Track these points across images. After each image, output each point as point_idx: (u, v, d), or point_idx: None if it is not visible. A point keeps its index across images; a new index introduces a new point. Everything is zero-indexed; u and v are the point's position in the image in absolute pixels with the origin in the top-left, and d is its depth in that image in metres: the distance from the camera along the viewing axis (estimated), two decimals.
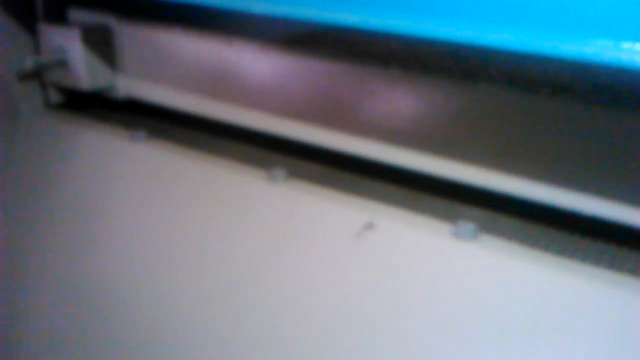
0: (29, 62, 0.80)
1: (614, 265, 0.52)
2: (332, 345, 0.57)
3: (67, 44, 0.79)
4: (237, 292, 0.63)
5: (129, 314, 0.70)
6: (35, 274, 0.78)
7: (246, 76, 0.70)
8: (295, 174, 0.67)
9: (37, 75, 0.84)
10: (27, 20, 0.83)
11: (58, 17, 0.83)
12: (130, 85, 0.81)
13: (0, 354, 0.79)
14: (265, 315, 0.61)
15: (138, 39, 0.78)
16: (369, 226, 0.59)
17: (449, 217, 0.58)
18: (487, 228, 0.57)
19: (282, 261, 0.62)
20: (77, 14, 0.81)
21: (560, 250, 0.54)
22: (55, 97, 0.87)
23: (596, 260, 0.53)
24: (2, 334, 0.79)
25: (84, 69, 0.79)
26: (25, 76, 0.83)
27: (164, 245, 0.70)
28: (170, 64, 0.76)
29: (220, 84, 0.72)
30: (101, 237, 0.75)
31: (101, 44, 0.80)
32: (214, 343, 0.63)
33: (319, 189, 0.64)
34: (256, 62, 0.68)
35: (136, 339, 0.68)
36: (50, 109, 0.86)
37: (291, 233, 0.63)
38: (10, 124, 0.84)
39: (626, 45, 0.37)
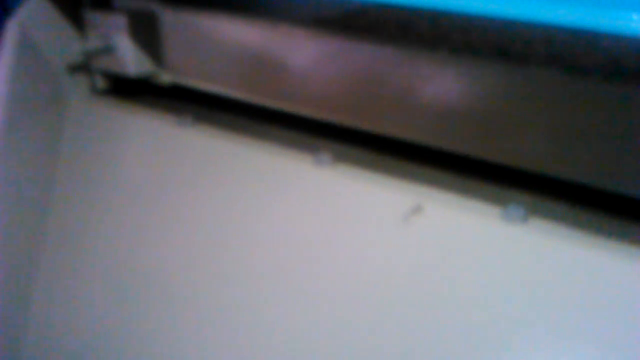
0: (78, 53, 0.82)
1: None
2: (381, 330, 0.58)
3: (113, 31, 0.81)
4: (286, 277, 0.64)
5: (179, 297, 0.71)
6: (83, 259, 0.80)
7: (292, 60, 0.70)
8: (341, 158, 0.67)
9: (84, 63, 0.85)
10: (73, 7, 0.85)
11: (103, 4, 0.84)
12: (175, 71, 0.82)
13: (45, 331, 0.81)
14: (314, 300, 0.62)
15: (183, 24, 0.78)
16: (417, 210, 0.59)
17: (498, 200, 0.58)
18: (536, 212, 0.57)
19: (329, 246, 0.62)
20: (122, 1, 0.82)
21: (611, 234, 0.53)
22: (101, 83, 0.88)
23: None
24: (51, 313, 0.81)
25: (130, 56, 0.80)
26: (74, 66, 0.85)
27: (212, 229, 0.71)
28: (215, 49, 0.76)
29: (266, 69, 0.73)
30: (149, 221, 0.77)
31: (147, 30, 0.81)
32: (264, 326, 0.64)
33: (366, 173, 0.65)
34: (302, 46, 0.69)
35: (188, 320, 0.70)
36: (97, 96, 0.88)
37: (338, 217, 0.63)
38: (59, 111, 0.86)
39: None
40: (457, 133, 0.61)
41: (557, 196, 0.59)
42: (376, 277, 0.59)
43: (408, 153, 0.66)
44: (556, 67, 0.52)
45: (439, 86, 0.60)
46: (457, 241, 0.57)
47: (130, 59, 0.81)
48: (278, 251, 0.65)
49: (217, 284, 0.68)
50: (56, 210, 0.83)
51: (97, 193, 0.81)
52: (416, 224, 0.59)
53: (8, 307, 0.79)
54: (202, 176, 0.74)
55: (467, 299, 0.55)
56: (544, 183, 0.58)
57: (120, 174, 0.81)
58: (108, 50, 0.82)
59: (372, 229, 0.61)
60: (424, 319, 0.56)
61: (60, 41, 0.85)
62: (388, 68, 0.63)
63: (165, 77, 0.83)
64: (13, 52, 0.80)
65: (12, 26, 0.80)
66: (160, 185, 0.77)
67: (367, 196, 0.62)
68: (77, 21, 0.85)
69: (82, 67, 0.86)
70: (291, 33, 0.69)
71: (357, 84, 0.66)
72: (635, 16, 0.39)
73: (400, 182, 0.62)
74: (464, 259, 0.56)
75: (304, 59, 0.69)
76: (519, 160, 0.58)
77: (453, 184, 0.61)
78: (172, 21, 0.79)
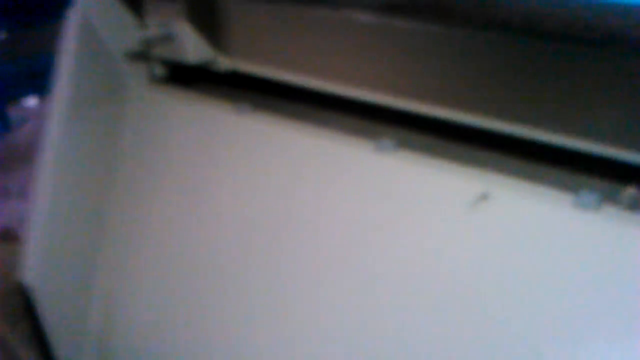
0: (137, 41, 0.83)
1: None
2: (449, 319, 0.56)
3: (172, 19, 0.81)
4: (348, 265, 0.63)
5: (234, 285, 0.72)
6: (143, 249, 0.81)
7: (351, 46, 0.69)
8: (404, 144, 0.66)
9: (144, 51, 0.86)
10: None
11: None
12: (234, 58, 0.82)
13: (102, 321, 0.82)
14: (379, 289, 0.61)
15: (242, 11, 0.78)
16: (484, 197, 0.58)
17: (569, 187, 0.56)
18: (610, 198, 0.54)
19: (392, 236, 0.61)
20: None
21: None
22: (159, 71, 0.88)
23: None
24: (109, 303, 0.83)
25: (189, 43, 0.81)
26: (134, 55, 0.86)
27: (272, 217, 0.71)
28: (274, 36, 0.76)
29: (325, 55, 0.72)
30: (209, 210, 0.77)
31: (205, 18, 0.81)
32: (327, 316, 0.64)
33: (430, 159, 0.63)
34: (361, 32, 0.67)
35: (239, 309, 0.70)
36: (155, 83, 0.89)
37: (402, 205, 0.62)
38: (118, 99, 0.87)
39: None
40: (523, 119, 0.59)
41: (628, 182, 0.57)
42: (442, 268, 0.58)
43: (473, 138, 0.64)
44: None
45: (501, 72, 0.58)
46: (526, 230, 0.55)
47: (190, 46, 0.81)
48: (341, 240, 0.65)
49: (280, 275, 0.68)
50: (116, 198, 0.85)
51: (157, 181, 0.82)
52: (483, 212, 0.57)
53: (70, 296, 0.80)
54: (262, 164, 0.73)
55: (538, 290, 0.53)
56: (614, 169, 0.56)
57: (179, 162, 0.82)
58: (167, 37, 0.82)
59: (437, 217, 0.59)
60: (493, 312, 0.54)
61: (120, 29, 0.86)
62: (448, 53, 0.61)
63: (224, 64, 0.83)
64: (75, 40, 0.81)
65: (74, 15, 0.81)
66: (220, 174, 0.77)
67: (431, 183, 0.61)
68: (137, 9, 0.86)
69: (141, 55, 0.87)
70: (350, 19, 0.68)
71: (418, 70, 0.64)
72: None
73: (465, 169, 0.61)
74: (535, 248, 0.55)
75: (364, 44, 0.68)
76: (587, 146, 0.56)
77: (521, 170, 0.59)
78: (231, 8, 0.79)
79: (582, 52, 0.53)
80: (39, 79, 1.77)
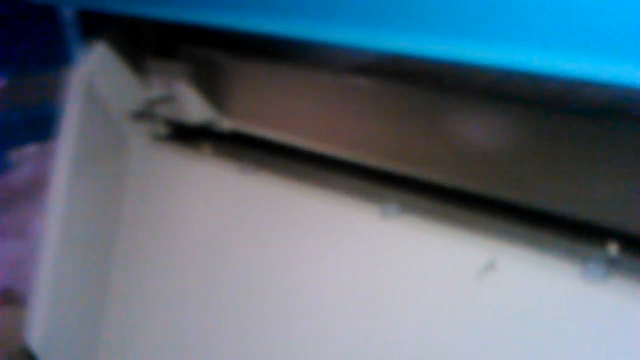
0: (140, 101, 0.83)
1: None
2: None
3: (176, 80, 0.81)
4: (351, 333, 0.63)
5: (238, 350, 0.71)
6: (147, 306, 0.80)
7: (354, 110, 0.69)
8: (409, 209, 0.66)
9: (147, 111, 0.86)
10: (136, 56, 0.86)
11: (166, 54, 0.85)
12: (236, 119, 0.82)
13: None
14: (383, 357, 0.60)
15: (244, 73, 0.79)
16: (490, 266, 0.57)
17: (577, 257, 0.56)
18: (619, 270, 0.54)
19: (396, 303, 0.61)
20: (185, 51, 0.83)
21: None
22: (162, 129, 0.89)
23: None
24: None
25: (191, 104, 0.81)
26: (137, 114, 0.86)
27: (274, 280, 0.70)
28: (275, 98, 0.76)
29: (327, 119, 0.72)
30: (211, 270, 0.77)
31: (208, 79, 0.81)
32: None
33: (435, 225, 0.63)
34: (363, 96, 0.68)
35: None
36: (158, 141, 0.89)
37: (405, 272, 0.62)
38: (121, 157, 0.87)
39: None
40: (528, 185, 0.59)
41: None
42: (447, 338, 0.57)
43: (479, 204, 0.64)
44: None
45: (506, 135, 0.58)
46: (533, 301, 0.55)
47: (192, 107, 0.81)
48: (344, 306, 0.64)
49: (282, 341, 0.67)
50: (121, 259, 0.84)
51: (160, 240, 0.82)
52: (489, 281, 0.57)
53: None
54: (265, 225, 0.73)
55: None
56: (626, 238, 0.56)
57: (182, 221, 0.81)
58: (170, 98, 0.83)
59: (442, 286, 0.59)
60: None
61: (123, 88, 0.86)
62: (454, 119, 0.61)
63: (226, 124, 0.83)
64: (78, 101, 0.81)
65: (78, 76, 0.82)
66: (222, 233, 0.77)
67: (436, 250, 0.61)
68: (140, 69, 0.86)
69: (144, 114, 0.87)
70: (354, 83, 0.68)
71: (424, 133, 0.64)
72: None
73: (471, 236, 0.61)
74: (541, 321, 0.54)
75: (369, 110, 0.68)
76: (597, 214, 0.56)
77: (528, 238, 0.59)
78: (234, 71, 0.80)
79: (586, 123, 0.53)
80: (39, 127, 1.77)
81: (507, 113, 0.58)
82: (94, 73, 0.83)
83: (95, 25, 0.84)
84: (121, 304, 0.82)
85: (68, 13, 0.83)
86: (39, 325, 0.70)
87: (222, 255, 0.76)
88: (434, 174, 0.65)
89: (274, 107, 0.78)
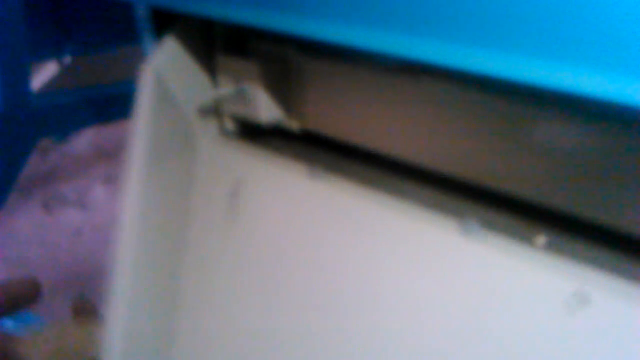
0: (209, 98, 0.81)
1: None
2: None
3: (246, 78, 0.79)
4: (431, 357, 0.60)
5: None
6: (216, 308, 0.79)
7: (435, 115, 0.66)
8: (492, 226, 0.62)
9: (215, 107, 0.85)
10: (205, 52, 0.84)
11: (237, 50, 0.83)
12: (306, 119, 0.80)
13: None
14: None
15: (318, 71, 0.76)
16: (583, 299, 0.53)
17: None
18: None
19: (477, 334, 0.58)
20: (256, 47, 0.81)
21: None
22: (230, 126, 0.87)
23: None
24: None
25: (261, 103, 0.79)
26: (205, 110, 0.85)
27: (340, 293, 0.68)
28: (352, 99, 0.73)
29: (405, 123, 0.69)
30: (276, 276, 0.75)
31: (279, 77, 0.79)
32: None
33: (521, 247, 0.59)
34: (446, 101, 0.64)
35: None
36: (226, 138, 0.87)
37: (486, 299, 0.58)
38: (191, 152, 0.86)
39: None
40: (628, 208, 0.54)
41: None
42: None
43: (571, 226, 0.60)
44: None
45: (603, 151, 0.54)
46: (632, 341, 0.51)
47: (261, 106, 0.79)
48: (418, 331, 0.62)
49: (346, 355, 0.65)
50: (190, 260, 0.83)
51: (228, 245, 0.81)
52: (581, 316, 0.53)
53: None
54: (333, 235, 0.71)
55: None
56: None
57: (249, 224, 0.80)
58: (239, 96, 0.81)
59: (528, 317, 0.56)
60: None
61: (192, 85, 0.85)
62: (543, 128, 0.57)
63: (296, 124, 0.81)
64: (149, 97, 0.80)
65: (147, 71, 0.80)
66: (292, 238, 0.75)
67: (522, 277, 0.57)
68: (210, 65, 0.84)
69: (212, 110, 0.86)
70: (435, 86, 0.65)
71: (512, 145, 0.61)
72: None
73: (561, 262, 0.57)
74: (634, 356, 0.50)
75: (449, 114, 0.64)
76: None
77: (625, 268, 0.55)
78: (306, 68, 0.77)
79: None
80: (103, 108, 1.79)
81: (606, 131, 0.53)
82: (164, 68, 0.81)
83: (167, 20, 0.82)
84: (192, 311, 0.81)
85: (141, 9, 0.82)
86: (116, 341, 0.69)
87: (285, 263, 0.74)
88: (521, 188, 0.61)
89: (348, 109, 0.75)
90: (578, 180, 0.57)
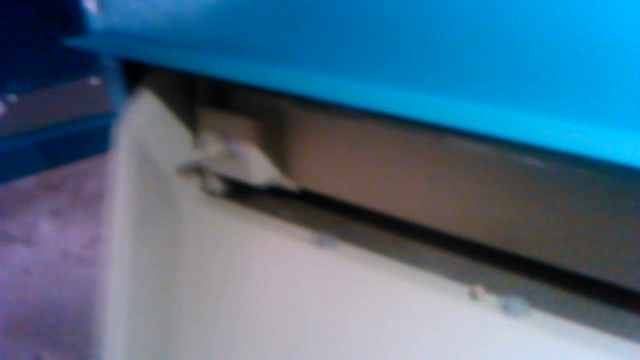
0: (193, 158, 0.72)
1: None
2: None
3: (233, 133, 0.70)
4: None
5: None
6: None
7: (443, 173, 0.59)
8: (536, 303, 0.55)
9: (198, 166, 0.75)
10: (185, 105, 0.75)
11: (221, 102, 0.74)
12: (304, 178, 0.71)
13: None
14: None
15: (316, 125, 0.68)
16: None
17: None
18: None
19: None
20: (244, 98, 0.72)
21: None
22: (216, 185, 0.78)
23: None
24: None
25: (253, 162, 0.70)
26: (187, 169, 0.75)
27: None
28: (357, 154, 0.65)
29: (412, 181, 0.61)
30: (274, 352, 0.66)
31: (272, 132, 0.70)
32: None
33: (574, 326, 0.52)
34: (457, 157, 0.57)
35: None
36: (211, 198, 0.78)
37: None
38: (173, 215, 0.76)
39: None
40: None
41: None
42: None
43: (616, 298, 0.53)
44: None
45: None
46: None
47: (254, 166, 0.70)
48: None
49: None
50: (182, 329, 0.73)
51: (222, 319, 0.71)
52: None
53: None
54: (345, 310, 0.62)
55: None
56: None
57: (246, 295, 0.71)
58: (228, 156, 0.71)
59: None
60: None
61: (171, 142, 0.76)
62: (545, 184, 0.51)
63: (293, 184, 0.72)
64: (126, 160, 0.71)
65: (123, 132, 0.71)
66: (293, 315, 0.66)
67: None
68: (189, 119, 0.75)
69: (195, 170, 0.76)
70: (441, 142, 0.57)
71: (540, 210, 0.54)
72: None
73: (607, 339, 0.50)
74: None
75: (459, 171, 0.57)
76: None
77: None
78: (302, 122, 0.69)
79: None
80: (53, 150, 1.66)
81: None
82: (140, 127, 0.72)
83: (140, 72, 0.73)
84: None
85: (108, 60, 0.72)
86: None
87: (293, 342, 0.66)
88: (550, 256, 0.54)
89: (352, 166, 0.67)
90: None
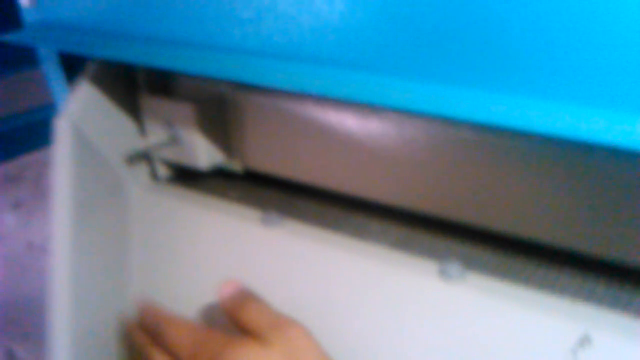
0: (137, 146, 0.73)
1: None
2: None
3: (177, 120, 0.71)
4: None
5: None
6: None
7: (378, 147, 0.61)
8: (473, 267, 0.57)
9: (145, 154, 0.76)
10: (127, 94, 0.75)
11: (163, 89, 0.74)
12: (249, 159, 0.72)
13: None
14: None
15: (257, 107, 0.69)
16: (585, 341, 0.50)
17: None
18: None
19: None
20: (186, 85, 0.73)
21: None
22: (163, 171, 0.79)
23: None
24: None
25: (198, 147, 0.71)
26: (133, 158, 0.76)
27: None
28: (298, 133, 0.67)
29: (350, 157, 0.63)
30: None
31: (215, 116, 0.71)
32: None
33: (510, 288, 0.55)
34: (389, 129, 0.59)
35: None
36: (160, 185, 0.79)
37: (478, 345, 0.54)
38: (121, 205, 0.77)
39: None
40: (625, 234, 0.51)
41: None
42: None
43: (560, 258, 0.56)
44: None
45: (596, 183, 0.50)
46: None
47: (199, 151, 0.71)
48: None
49: None
50: (127, 302, 0.75)
51: (174, 297, 0.72)
52: (585, 357, 0.49)
53: None
54: (296, 289, 0.64)
55: None
56: None
57: (198, 277, 0.72)
58: (172, 141, 0.72)
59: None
60: None
61: (116, 132, 0.76)
62: (497, 159, 0.53)
63: (239, 165, 0.74)
64: (67, 152, 0.71)
65: (62, 124, 0.71)
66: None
67: (517, 321, 0.53)
68: (133, 108, 0.76)
69: (142, 157, 0.77)
70: (385, 120, 0.59)
71: (488, 178, 0.56)
72: None
73: (554, 301, 0.53)
74: None
75: (409, 145, 0.59)
76: None
77: (628, 305, 0.52)
78: (245, 104, 0.70)
79: None
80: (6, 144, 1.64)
81: (582, 159, 0.50)
82: (81, 118, 0.72)
83: (78, 62, 0.73)
84: None
85: (46, 52, 0.72)
86: None
87: None
88: (499, 223, 0.57)
89: (294, 145, 0.68)
90: (565, 212, 0.53)
